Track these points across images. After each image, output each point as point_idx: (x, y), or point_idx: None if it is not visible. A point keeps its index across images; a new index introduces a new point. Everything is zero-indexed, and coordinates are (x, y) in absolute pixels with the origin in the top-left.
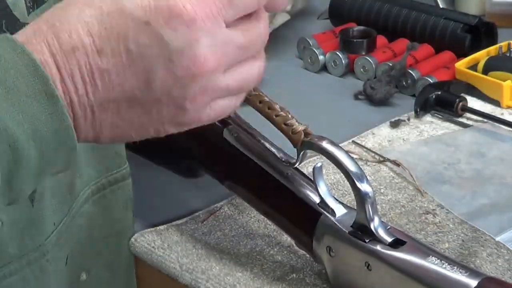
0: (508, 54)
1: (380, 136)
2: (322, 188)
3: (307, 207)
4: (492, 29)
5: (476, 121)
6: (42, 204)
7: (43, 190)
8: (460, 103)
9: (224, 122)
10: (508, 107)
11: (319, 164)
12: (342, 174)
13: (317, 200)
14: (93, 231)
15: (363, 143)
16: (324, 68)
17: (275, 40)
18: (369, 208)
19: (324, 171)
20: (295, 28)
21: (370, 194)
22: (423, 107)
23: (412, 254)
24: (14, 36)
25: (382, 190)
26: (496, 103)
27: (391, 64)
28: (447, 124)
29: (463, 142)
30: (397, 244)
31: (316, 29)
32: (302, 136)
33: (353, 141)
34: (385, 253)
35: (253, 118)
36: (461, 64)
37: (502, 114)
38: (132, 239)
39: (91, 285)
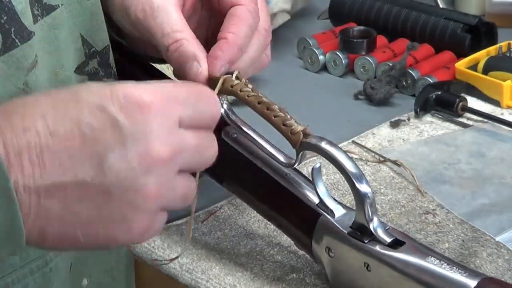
0: (508, 54)
1: (380, 136)
2: (321, 189)
3: (306, 207)
4: (492, 29)
5: (476, 121)
6: None
7: None
8: (460, 103)
9: (223, 122)
10: (508, 107)
11: (317, 165)
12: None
13: (316, 200)
14: None
15: (363, 143)
16: (324, 68)
17: (275, 40)
18: (368, 208)
19: (324, 171)
20: (295, 28)
21: (369, 195)
22: (423, 107)
23: (411, 255)
24: None
25: (382, 190)
26: (496, 103)
27: (391, 64)
28: (447, 124)
29: (463, 142)
30: (396, 244)
31: (316, 29)
32: (301, 136)
33: (353, 141)
34: (384, 253)
35: (252, 119)
36: (461, 64)
37: (502, 114)
38: None
39: None
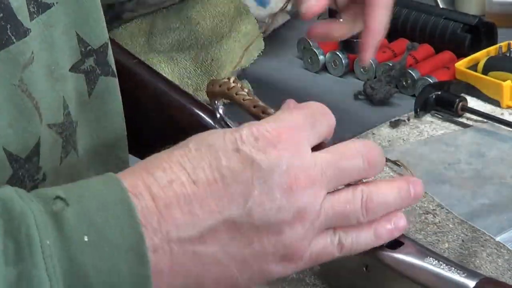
0: (508, 54)
1: (380, 136)
2: None
3: None
4: (492, 29)
5: (476, 121)
6: None
7: None
8: (460, 103)
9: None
10: (508, 107)
11: None
12: None
13: None
14: None
15: None
16: (324, 68)
17: (275, 40)
18: None
19: None
20: (295, 28)
21: None
22: (423, 107)
23: (410, 255)
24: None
25: None
26: (496, 103)
27: (391, 64)
28: (447, 124)
29: (463, 142)
30: (395, 245)
31: None
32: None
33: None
34: (383, 254)
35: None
36: (461, 64)
37: (502, 114)
38: None
39: None
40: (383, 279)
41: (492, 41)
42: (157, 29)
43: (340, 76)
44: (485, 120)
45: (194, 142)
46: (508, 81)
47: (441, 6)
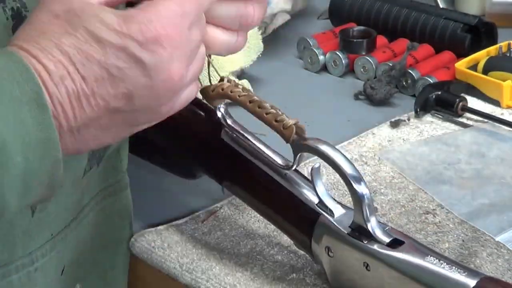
0: (508, 54)
1: (380, 136)
2: (320, 189)
3: (306, 207)
4: (492, 29)
5: (476, 121)
6: (43, 213)
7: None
8: (460, 103)
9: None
10: (508, 107)
11: (317, 165)
12: None
13: (315, 200)
14: (91, 242)
15: (363, 143)
16: (324, 68)
17: (275, 40)
18: (366, 209)
19: (324, 171)
20: (295, 28)
21: (366, 196)
22: (423, 107)
23: (411, 254)
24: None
25: (382, 190)
26: (496, 103)
27: (391, 64)
28: (447, 124)
29: (463, 142)
30: (395, 244)
31: (316, 29)
32: (294, 130)
33: (353, 141)
34: (384, 253)
35: (248, 124)
36: (461, 64)
37: (502, 114)
38: (132, 239)
39: None
40: (383, 278)
41: (492, 41)
42: None
43: (340, 76)
44: (485, 120)
45: (83, 30)
46: (508, 81)
47: (441, 6)
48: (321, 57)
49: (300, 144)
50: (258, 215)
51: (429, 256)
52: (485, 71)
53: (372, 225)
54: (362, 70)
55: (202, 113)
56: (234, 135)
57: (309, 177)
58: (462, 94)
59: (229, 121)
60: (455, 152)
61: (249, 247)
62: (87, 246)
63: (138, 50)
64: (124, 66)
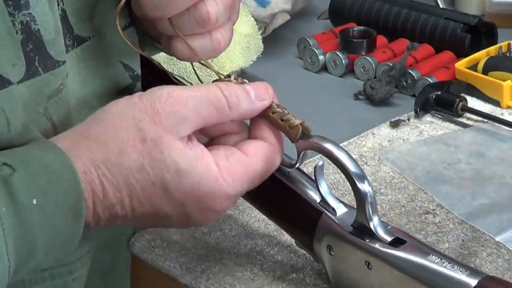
0: (508, 54)
1: (380, 136)
2: (323, 187)
3: (308, 206)
4: (492, 29)
5: (476, 121)
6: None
7: None
8: (460, 103)
9: None
10: (508, 107)
11: (320, 163)
12: (342, 174)
13: (318, 199)
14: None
15: (363, 143)
16: (324, 68)
17: (275, 40)
18: (368, 208)
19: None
20: (295, 28)
21: (369, 194)
22: (423, 107)
23: (412, 253)
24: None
25: (382, 190)
26: (496, 103)
27: (391, 64)
28: (447, 124)
29: (463, 142)
30: (397, 243)
31: (316, 29)
32: (300, 130)
33: (353, 141)
34: (385, 252)
35: None
36: (461, 64)
37: (502, 114)
38: (132, 239)
39: None
40: (385, 277)
41: (492, 41)
42: None
43: (340, 76)
44: (485, 120)
45: (157, 174)
46: (508, 81)
47: (441, 6)
48: (321, 57)
49: (304, 142)
50: (258, 215)
51: (431, 255)
52: (485, 71)
53: (375, 224)
54: (362, 70)
55: None
56: None
57: (311, 176)
58: (462, 94)
59: None
60: (455, 152)
61: (249, 247)
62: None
63: (193, 212)
64: (172, 216)
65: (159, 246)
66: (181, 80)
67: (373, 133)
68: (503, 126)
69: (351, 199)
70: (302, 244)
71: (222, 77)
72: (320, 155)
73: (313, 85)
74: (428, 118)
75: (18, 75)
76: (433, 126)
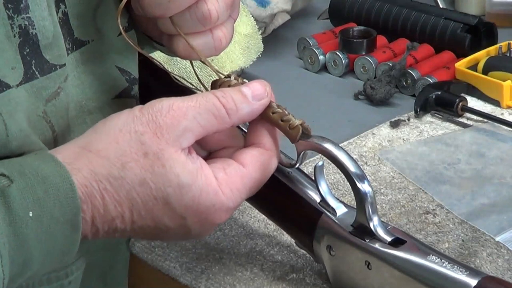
0: (508, 54)
1: (380, 136)
2: (323, 187)
3: (308, 206)
4: (492, 29)
5: (476, 121)
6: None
7: None
8: (460, 103)
9: None
10: (508, 107)
11: (320, 163)
12: (342, 174)
13: (318, 199)
14: (92, 242)
15: (363, 143)
16: (324, 68)
17: (275, 40)
18: (368, 208)
19: (324, 171)
20: (295, 28)
21: (369, 194)
22: (423, 107)
23: (412, 253)
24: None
25: (382, 190)
26: (496, 103)
27: (391, 64)
28: (447, 124)
29: (463, 142)
30: (397, 243)
31: (316, 29)
32: (300, 131)
33: (353, 141)
34: (385, 252)
35: None
36: (461, 64)
37: (502, 114)
38: (132, 239)
39: None
40: (385, 277)
41: (492, 41)
42: None
43: (340, 76)
44: (485, 120)
45: (159, 189)
46: (508, 81)
47: (441, 6)
48: (321, 57)
49: (304, 142)
50: (258, 215)
51: (430, 255)
52: (485, 71)
53: (374, 224)
54: (362, 70)
55: None
56: None
57: (311, 176)
58: (462, 94)
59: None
60: (455, 152)
61: (249, 247)
62: (87, 248)
63: (193, 224)
64: (172, 228)
65: (159, 246)
66: (181, 80)
67: (373, 133)
68: (503, 126)
69: (351, 199)
70: (302, 244)
71: (222, 76)
72: (320, 155)
73: (313, 85)
74: (428, 118)
75: (17, 78)
76: (433, 126)
